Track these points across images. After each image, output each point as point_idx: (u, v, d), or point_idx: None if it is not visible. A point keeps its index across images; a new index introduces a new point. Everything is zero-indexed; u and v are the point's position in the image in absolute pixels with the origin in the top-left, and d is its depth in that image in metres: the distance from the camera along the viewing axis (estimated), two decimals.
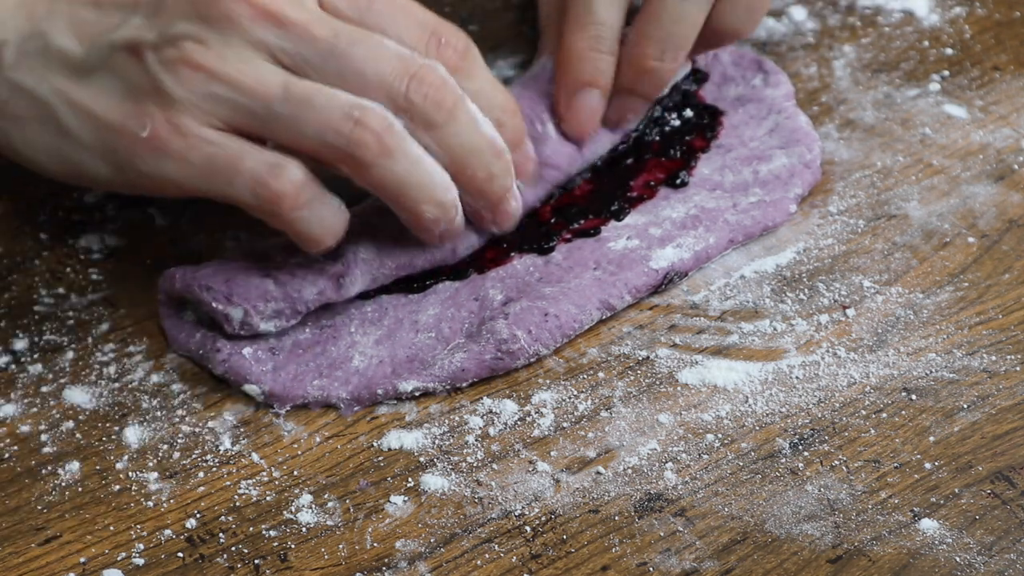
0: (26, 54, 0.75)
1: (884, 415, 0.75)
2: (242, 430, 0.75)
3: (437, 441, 0.74)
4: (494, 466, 0.73)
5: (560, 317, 0.77)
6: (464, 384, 0.76)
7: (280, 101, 0.72)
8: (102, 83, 0.74)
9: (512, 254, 0.80)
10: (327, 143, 0.72)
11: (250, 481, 0.73)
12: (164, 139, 0.72)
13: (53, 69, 0.74)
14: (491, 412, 0.76)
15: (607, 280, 0.79)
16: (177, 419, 0.75)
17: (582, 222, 0.81)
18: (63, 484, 0.73)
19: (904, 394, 0.76)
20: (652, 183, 0.83)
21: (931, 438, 0.74)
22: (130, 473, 0.73)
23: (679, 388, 0.76)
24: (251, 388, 0.76)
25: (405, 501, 0.72)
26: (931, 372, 0.77)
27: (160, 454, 0.74)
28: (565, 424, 0.75)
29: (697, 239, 0.81)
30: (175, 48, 0.72)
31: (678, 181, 0.83)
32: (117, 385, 0.76)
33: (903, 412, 0.75)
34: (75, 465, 0.73)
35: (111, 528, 0.71)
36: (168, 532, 0.71)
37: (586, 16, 0.81)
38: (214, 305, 0.76)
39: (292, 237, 0.74)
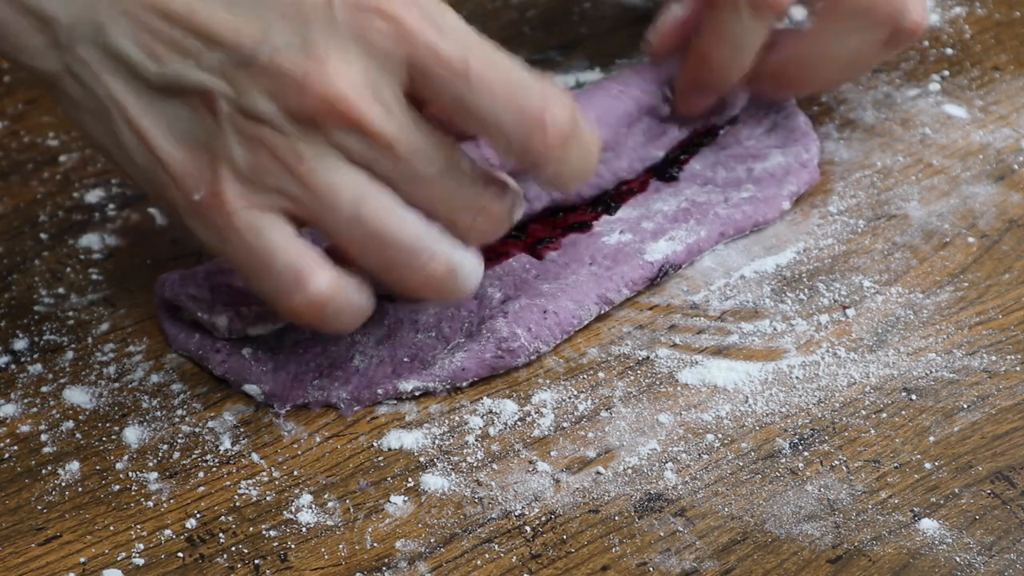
0: (80, 41, 0.69)
1: (884, 415, 0.75)
2: (242, 430, 0.75)
3: (437, 441, 0.74)
4: (494, 466, 0.73)
5: (559, 314, 0.77)
6: (464, 383, 0.76)
7: (347, 219, 0.69)
8: (167, 114, 0.69)
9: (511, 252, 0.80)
10: (390, 277, 0.71)
11: (250, 481, 0.73)
12: (209, 209, 0.69)
13: (111, 71, 0.69)
14: (491, 412, 0.76)
15: (603, 275, 0.79)
16: (177, 419, 0.75)
17: (567, 215, 0.82)
18: (63, 484, 0.73)
19: (904, 394, 0.76)
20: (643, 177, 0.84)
21: (931, 438, 0.74)
22: (130, 473, 0.73)
23: (679, 388, 0.76)
24: (251, 388, 0.76)
25: (405, 501, 0.72)
26: (931, 372, 0.77)
27: (160, 454, 0.74)
28: (565, 424, 0.75)
29: (689, 232, 0.81)
30: (254, 125, 0.68)
31: (667, 175, 0.84)
32: (117, 385, 0.76)
33: (903, 412, 0.75)
34: (75, 465, 0.73)
35: (111, 528, 0.71)
36: (168, 532, 0.71)
37: (730, 30, 0.81)
38: (199, 315, 0.76)
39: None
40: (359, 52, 0.68)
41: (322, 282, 0.70)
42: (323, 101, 0.67)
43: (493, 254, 0.80)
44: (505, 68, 0.69)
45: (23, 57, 0.71)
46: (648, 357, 0.78)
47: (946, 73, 0.92)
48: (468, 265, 0.72)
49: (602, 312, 0.79)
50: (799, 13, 0.89)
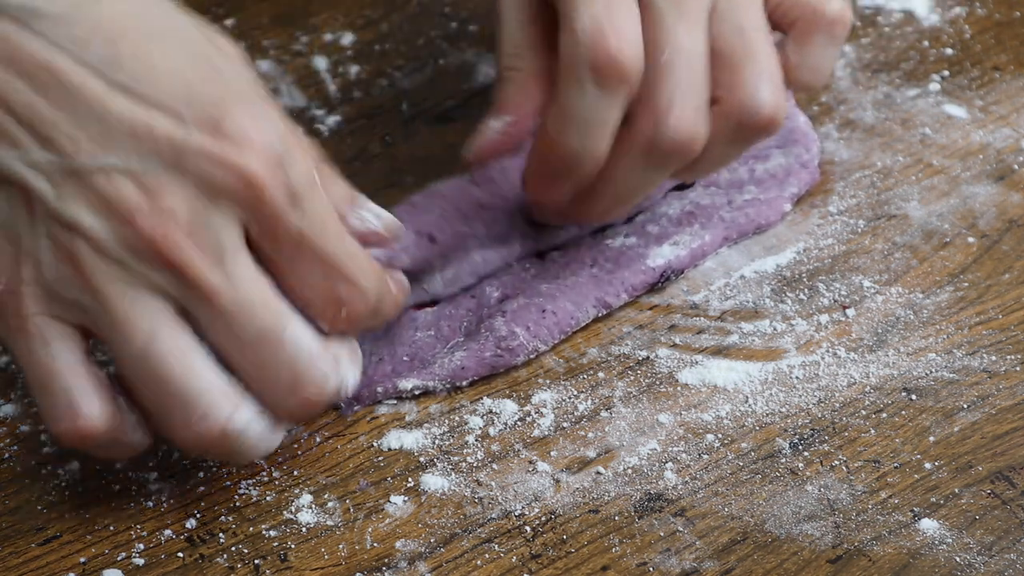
0: None
1: (884, 415, 0.75)
2: None
3: (437, 441, 0.74)
4: (494, 466, 0.73)
5: (557, 314, 0.77)
6: (464, 382, 0.76)
7: (136, 352, 0.65)
8: None
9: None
10: (158, 418, 0.67)
11: (250, 481, 0.73)
12: (4, 304, 0.66)
13: None
14: (491, 412, 0.76)
15: (604, 278, 0.79)
16: None
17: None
18: (63, 484, 0.73)
19: (904, 394, 0.76)
20: None
21: (931, 438, 0.74)
22: (130, 473, 0.73)
23: (679, 388, 0.76)
24: None
25: (405, 501, 0.72)
26: (931, 372, 0.77)
27: (160, 454, 0.74)
28: (565, 424, 0.75)
29: (693, 236, 0.81)
30: (69, 235, 0.64)
31: (681, 184, 0.83)
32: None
33: (903, 412, 0.75)
34: (75, 465, 0.73)
35: (111, 528, 0.71)
36: (168, 532, 0.71)
37: (578, 111, 0.72)
38: None
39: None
40: (200, 198, 0.64)
41: (91, 413, 0.66)
42: (148, 238, 0.64)
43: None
44: (333, 254, 0.67)
45: None
46: (648, 357, 0.78)
47: (946, 73, 0.92)
48: (253, 433, 0.68)
49: (600, 315, 0.79)
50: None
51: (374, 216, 0.71)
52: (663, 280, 0.80)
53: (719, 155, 0.75)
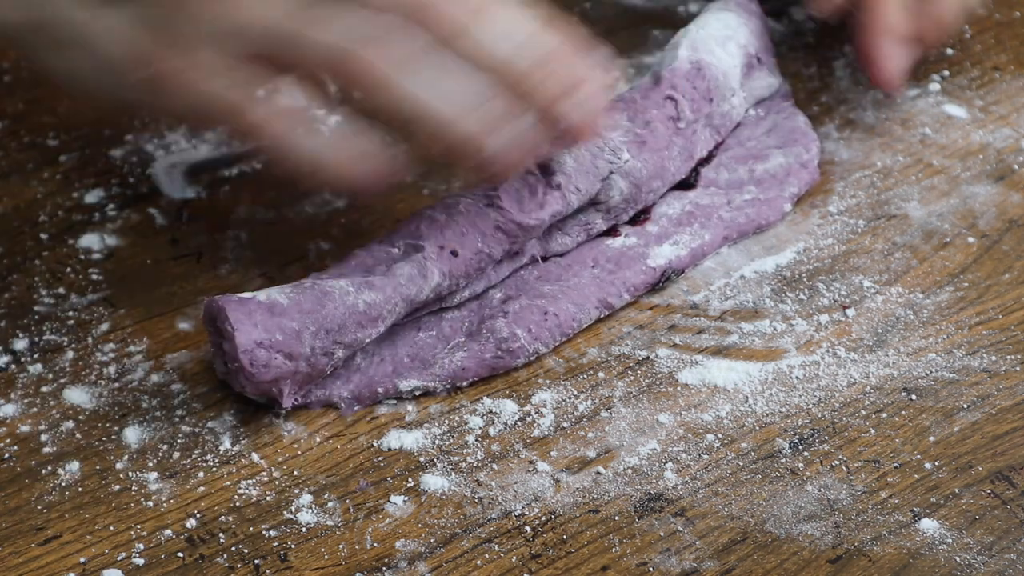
0: None
1: (884, 415, 0.75)
2: (242, 430, 0.75)
3: (437, 441, 0.74)
4: (494, 466, 0.73)
5: (559, 316, 0.77)
6: (464, 383, 0.76)
7: (286, 18, 0.71)
8: (118, 14, 0.73)
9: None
10: (332, 61, 0.71)
11: (250, 481, 0.73)
12: (163, 77, 0.73)
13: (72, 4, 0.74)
14: (491, 412, 0.76)
15: (605, 279, 0.79)
16: (177, 419, 0.75)
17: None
18: (63, 484, 0.73)
19: (904, 394, 0.76)
20: None
21: (931, 438, 0.74)
22: (130, 473, 0.73)
23: (679, 388, 0.76)
24: None
25: (405, 501, 0.72)
26: (931, 372, 0.77)
27: (160, 454, 0.74)
28: (565, 424, 0.75)
29: (693, 236, 0.81)
30: None
31: (685, 183, 0.83)
32: (117, 385, 0.76)
33: (903, 412, 0.75)
34: (75, 465, 0.73)
35: (111, 528, 0.71)
36: (168, 532, 0.71)
37: None
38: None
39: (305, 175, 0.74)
40: None
41: (279, 99, 0.73)
42: None
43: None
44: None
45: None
46: (648, 357, 0.78)
47: (946, 73, 0.92)
48: (408, 43, 0.70)
49: (601, 316, 0.79)
50: (799, 14, 0.89)
51: None
52: (663, 280, 0.80)
53: None
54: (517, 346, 0.76)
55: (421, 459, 0.74)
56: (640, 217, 0.82)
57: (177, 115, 0.80)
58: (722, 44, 0.84)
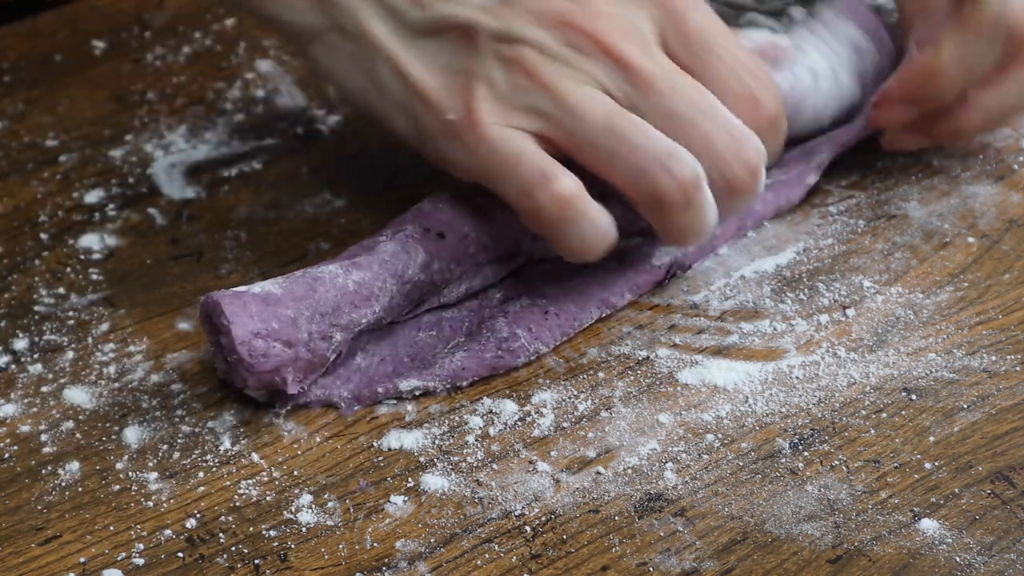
0: None
1: (884, 415, 0.75)
2: (242, 430, 0.75)
3: (437, 441, 0.74)
4: (494, 466, 0.73)
5: (560, 315, 0.77)
6: (464, 383, 0.76)
7: (600, 129, 0.73)
8: (426, 51, 0.75)
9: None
10: (635, 184, 0.73)
11: (250, 481, 0.73)
12: (462, 127, 0.74)
13: (378, 17, 0.76)
14: (491, 412, 0.76)
15: (608, 279, 0.79)
16: (177, 419, 0.75)
17: None
18: (63, 484, 0.73)
19: (904, 394, 0.76)
20: None
21: (931, 438, 0.74)
22: (130, 473, 0.73)
23: (679, 388, 0.76)
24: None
25: (405, 501, 0.72)
26: (931, 372, 0.77)
27: (160, 454, 0.74)
28: (565, 424, 0.75)
29: None
30: (514, 47, 0.74)
31: None
32: (117, 385, 0.77)
33: (903, 412, 0.75)
34: (75, 465, 0.73)
35: (111, 528, 0.71)
36: (168, 532, 0.71)
37: (973, 53, 0.81)
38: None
39: (552, 245, 0.76)
40: (621, 2, 0.75)
41: (567, 182, 0.73)
42: (586, 32, 0.74)
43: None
44: (739, 53, 0.76)
45: (289, 15, 0.78)
46: (648, 357, 0.78)
47: None
48: (708, 194, 0.74)
49: (603, 315, 0.79)
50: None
51: (759, 35, 0.82)
52: (669, 276, 0.80)
53: None
54: (517, 345, 0.76)
55: (421, 459, 0.74)
56: None
57: (458, 169, 0.76)
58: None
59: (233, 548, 0.70)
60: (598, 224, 0.74)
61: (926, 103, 0.83)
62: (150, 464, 0.73)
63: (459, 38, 0.75)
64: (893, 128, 0.85)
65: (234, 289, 0.73)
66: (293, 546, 0.70)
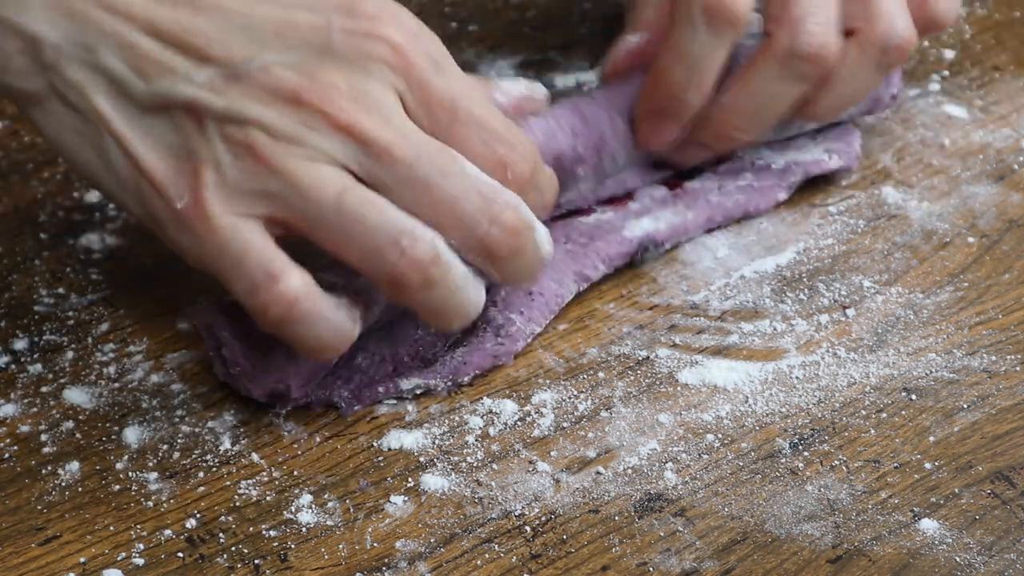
0: (67, 60, 0.70)
1: (884, 415, 0.75)
2: (242, 430, 0.75)
3: (437, 441, 0.74)
4: (494, 466, 0.73)
5: (544, 294, 0.78)
6: (466, 379, 0.76)
7: (331, 209, 0.69)
8: (154, 129, 0.70)
9: None
10: (369, 264, 0.70)
11: (250, 481, 0.73)
12: (190, 217, 0.69)
13: (99, 90, 0.70)
14: (491, 412, 0.76)
15: (579, 252, 0.79)
16: (177, 419, 0.75)
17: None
18: (63, 484, 0.73)
19: (904, 394, 0.76)
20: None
21: (931, 438, 0.74)
22: (130, 473, 0.73)
23: (679, 388, 0.76)
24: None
25: (405, 501, 0.72)
26: (931, 372, 0.77)
27: (160, 454, 0.74)
28: (565, 424, 0.75)
29: (675, 213, 0.81)
30: (242, 129, 0.69)
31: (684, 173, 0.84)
32: (117, 385, 0.76)
33: (903, 412, 0.75)
34: (75, 465, 0.73)
35: (111, 528, 0.71)
36: (168, 532, 0.71)
37: (687, 48, 0.78)
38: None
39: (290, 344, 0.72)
40: (354, 71, 0.69)
41: (294, 281, 0.69)
42: (317, 108, 0.69)
43: None
44: (486, 118, 0.71)
45: (5, 77, 0.71)
46: (648, 357, 0.78)
47: (946, 73, 0.92)
48: (458, 269, 0.70)
49: (581, 290, 0.79)
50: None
51: (513, 86, 0.77)
52: (641, 251, 0.80)
53: (855, 84, 0.81)
54: (514, 330, 0.77)
55: (421, 459, 0.74)
56: (622, 198, 0.82)
57: (193, 260, 0.71)
58: None
59: (233, 548, 0.70)
60: (331, 322, 0.70)
61: (673, 111, 0.80)
62: (150, 464, 0.73)
63: (185, 118, 0.69)
64: (665, 149, 0.82)
65: (230, 298, 0.73)
66: (293, 546, 0.70)
